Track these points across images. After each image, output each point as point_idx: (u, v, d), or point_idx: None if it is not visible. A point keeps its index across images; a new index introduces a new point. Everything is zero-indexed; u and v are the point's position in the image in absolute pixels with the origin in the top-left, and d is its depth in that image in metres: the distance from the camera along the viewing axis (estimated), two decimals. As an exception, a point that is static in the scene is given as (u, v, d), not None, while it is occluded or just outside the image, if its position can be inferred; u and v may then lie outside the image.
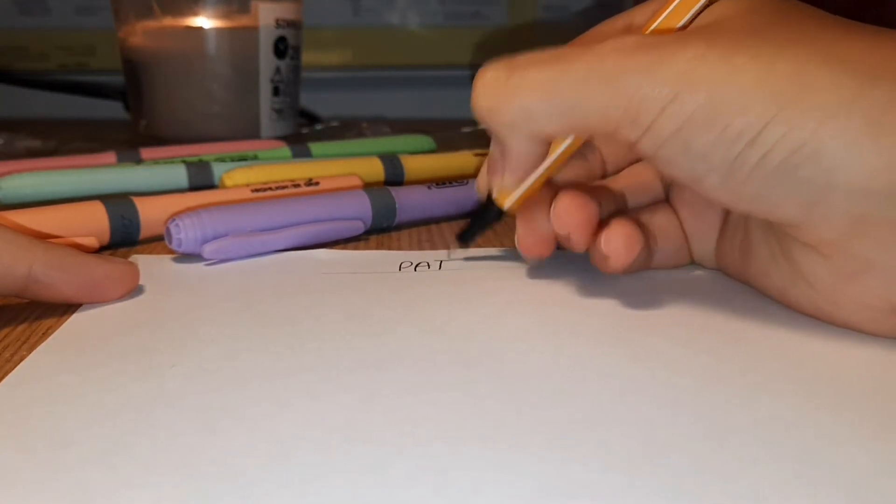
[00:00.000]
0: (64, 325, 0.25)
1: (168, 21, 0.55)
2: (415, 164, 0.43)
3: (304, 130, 0.65)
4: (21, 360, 0.22)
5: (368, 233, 0.35)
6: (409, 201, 0.36)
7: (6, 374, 0.21)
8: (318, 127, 0.67)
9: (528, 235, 0.28)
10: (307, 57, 0.62)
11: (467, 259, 0.31)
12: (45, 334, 0.24)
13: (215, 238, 0.30)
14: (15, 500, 0.16)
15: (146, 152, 0.46)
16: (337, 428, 0.18)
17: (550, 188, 0.27)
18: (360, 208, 0.34)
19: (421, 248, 0.33)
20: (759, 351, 0.23)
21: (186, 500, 0.16)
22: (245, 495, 0.16)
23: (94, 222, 0.32)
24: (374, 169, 0.41)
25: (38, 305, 0.26)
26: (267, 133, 0.57)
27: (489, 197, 0.28)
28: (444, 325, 0.24)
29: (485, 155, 0.44)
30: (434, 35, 0.76)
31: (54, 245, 0.26)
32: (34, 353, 0.22)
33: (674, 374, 0.21)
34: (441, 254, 0.32)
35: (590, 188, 0.29)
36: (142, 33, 0.56)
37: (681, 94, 0.22)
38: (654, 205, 0.29)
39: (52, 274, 0.25)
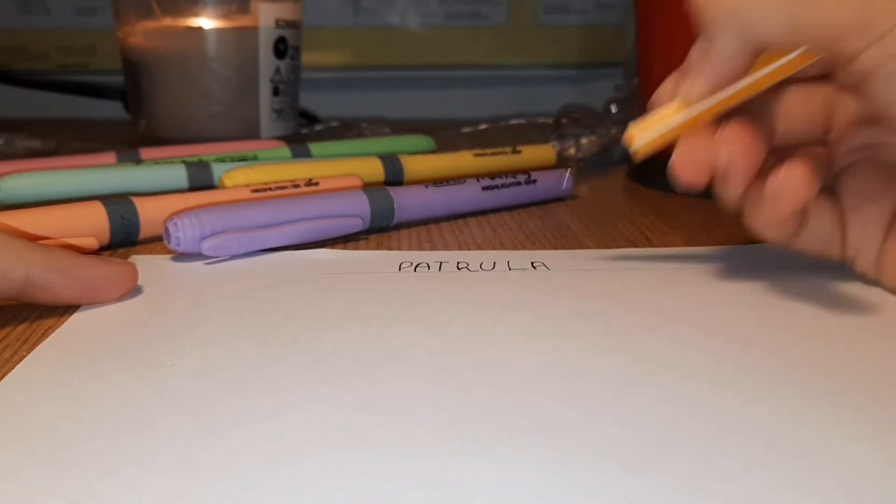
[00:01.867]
0: (64, 325, 0.25)
1: (168, 21, 0.55)
2: (415, 165, 0.43)
3: (304, 130, 0.65)
4: (21, 360, 0.22)
5: (368, 232, 0.35)
6: (408, 201, 0.36)
7: (6, 374, 0.21)
8: (318, 127, 0.67)
9: (687, 156, 0.25)
10: (307, 57, 0.62)
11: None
12: (45, 334, 0.24)
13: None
14: (15, 500, 0.16)
15: (146, 152, 0.46)
16: (337, 428, 0.18)
17: (710, 128, 0.26)
18: (358, 208, 0.34)
19: (421, 248, 0.33)
20: (760, 351, 0.23)
21: (186, 500, 0.16)
22: (245, 495, 0.16)
23: (93, 222, 0.32)
24: (374, 169, 0.41)
25: (37, 306, 0.26)
26: (267, 133, 0.57)
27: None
28: (443, 325, 0.24)
29: (485, 155, 0.44)
30: (434, 35, 0.76)
31: (52, 248, 0.26)
32: (34, 353, 0.22)
33: (674, 374, 0.21)
34: (441, 254, 0.32)
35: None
36: (142, 33, 0.56)
37: None
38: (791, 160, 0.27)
39: (49, 277, 0.25)
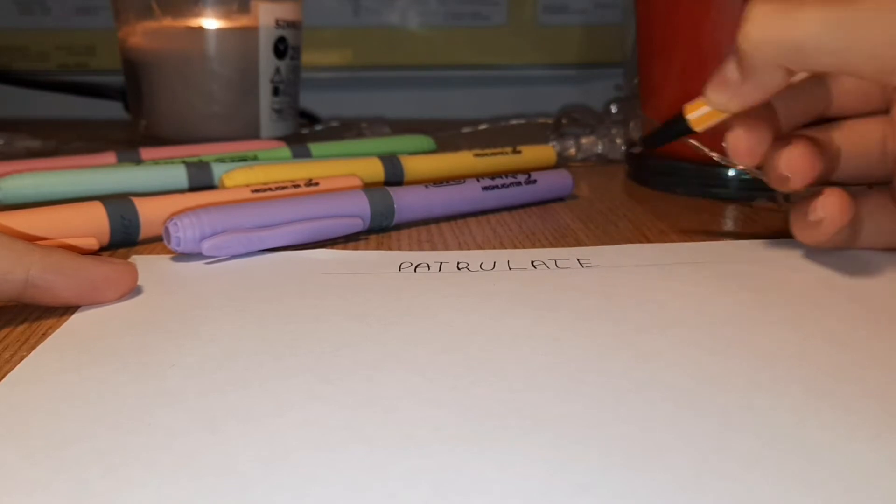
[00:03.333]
0: (63, 325, 0.25)
1: (168, 21, 0.55)
2: (415, 165, 0.43)
3: (304, 131, 0.65)
4: (21, 360, 0.22)
5: (368, 232, 0.35)
6: (408, 201, 0.36)
7: (6, 374, 0.21)
8: (318, 127, 0.67)
9: (744, 143, 0.28)
10: (307, 57, 0.62)
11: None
12: (45, 334, 0.24)
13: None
14: (15, 500, 0.16)
15: (146, 152, 0.46)
16: (337, 428, 0.18)
17: (769, 110, 0.28)
18: (358, 208, 0.34)
19: (421, 248, 0.33)
20: (760, 351, 0.23)
21: (186, 500, 0.16)
22: (245, 495, 0.16)
23: (93, 223, 0.32)
24: (374, 169, 0.41)
25: (37, 306, 0.26)
26: (267, 133, 0.57)
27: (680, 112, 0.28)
28: (443, 325, 0.24)
29: (485, 155, 0.44)
30: (434, 35, 0.76)
31: (51, 249, 0.26)
32: (34, 353, 0.22)
33: (674, 373, 0.21)
34: (441, 254, 0.32)
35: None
36: (142, 33, 0.56)
37: None
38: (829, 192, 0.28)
39: (49, 278, 0.25)
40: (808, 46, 0.24)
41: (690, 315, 0.25)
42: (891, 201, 0.28)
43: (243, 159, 0.43)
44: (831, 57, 0.24)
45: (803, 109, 0.30)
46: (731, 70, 0.27)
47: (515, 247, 0.33)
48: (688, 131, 0.28)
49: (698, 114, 0.28)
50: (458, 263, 0.30)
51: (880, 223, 0.28)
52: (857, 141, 0.29)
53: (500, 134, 0.61)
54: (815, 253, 0.30)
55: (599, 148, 0.52)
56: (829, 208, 0.26)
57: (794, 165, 0.27)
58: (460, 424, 0.18)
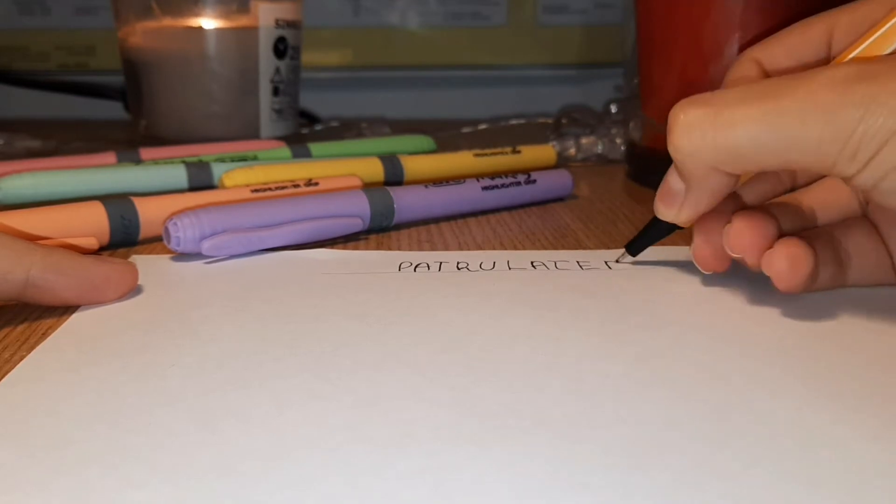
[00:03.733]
0: (63, 325, 0.25)
1: (168, 21, 0.55)
2: (415, 165, 0.43)
3: (304, 130, 0.65)
4: (21, 360, 0.22)
5: (368, 232, 0.35)
6: (408, 201, 0.36)
7: (6, 374, 0.21)
8: (318, 127, 0.67)
9: (705, 248, 0.27)
10: (307, 57, 0.62)
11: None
12: (45, 334, 0.24)
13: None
14: (15, 500, 0.16)
15: (146, 152, 0.46)
16: (337, 428, 0.18)
17: (732, 199, 0.27)
18: (358, 208, 0.34)
19: (421, 248, 0.33)
20: (760, 351, 0.23)
21: (186, 500, 0.16)
22: (245, 495, 0.16)
23: (93, 223, 0.32)
24: (374, 169, 0.41)
25: (37, 306, 0.26)
26: (267, 133, 0.57)
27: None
28: (443, 325, 0.24)
29: (485, 155, 0.44)
30: (434, 35, 0.76)
31: (51, 248, 0.26)
32: (34, 352, 0.22)
33: (674, 373, 0.21)
34: (441, 254, 0.32)
35: (772, 205, 0.28)
36: (142, 33, 0.56)
37: None
38: (849, 220, 0.28)
39: (50, 278, 0.25)
40: (746, 148, 0.23)
41: (690, 315, 0.25)
42: (875, 234, 0.27)
43: (243, 159, 0.43)
44: (772, 156, 0.23)
45: (771, 189, 0.29)
46: (673, 181, 0.26)
47: (515, 247, 0.33)
48: (673, 227, 0.28)
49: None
50: (458, 263, 0.30)
51: (866, 258, 0.27)
52: (827, 198, 0.28)
53: (500, 134, 0.61)
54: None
55: (599, 148, 0.52)
56: (777, 265, 0.25)
57: (736, 241, 0.25)
58: (460, 424, 0.18)
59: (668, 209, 0.26)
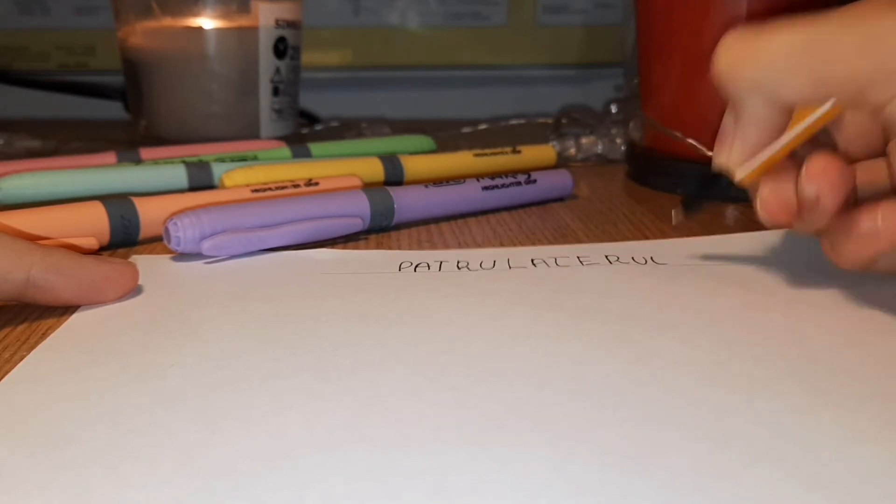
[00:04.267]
0: (64, 325, 0.25)
1: (168, 21, 0.55)
2: (415, 165, 0.43)
3: (304, 130, 0.65)
4: (21, 360, 0.22)
5: (368, 232, 0.35)
6: (408, 201, 0.36)
7: (6, 374, 0.21)
8: (318, 127, 0.67)
9: (773, 200, 0.26)
10: (307, 57, 0.62)
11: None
12: (45, 334, 0.24)
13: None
14: (15, 500, 0.16)
15: (146, 152, 0.46)
16: (337, 428, 0.18)
17: (794, 161, 0.26)
18: (358, 208, 0.34)
19: (421, 248, 0.33)
20: (760, 351, 0.23)
21: (186, 500, 0.16)
22: (245, 495, 0.16)
23: (93, 223, 0.32)
24: (374, 169, 0.41)
25: (37, 306, 0.26)
26: (267, 133, 0.57)
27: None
28: (444, 325, 0.24)
29: (485, 155, 0.44)
30: (434, 35, 0.76)
31: (52, 248, 0.26)
32: (34, 352, 0.22)
33: (674, 374, 0.21)
34: (441, 253, 0.32)
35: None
36: (142, 33, 0.56)
37: None
38: (887, 202, 0.26)
39: (50, 278, 0.25)
40: (781, 68, 0.23)
41: (690, 315, 0.25)
42: None
43: (243, 159, 0.43)
44: (806, 77, 0.23)
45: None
46: (726, 121, 0.26)
47: (515, 247, 0.33)
48: (730, 184, 0.27)
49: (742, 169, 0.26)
50: (458, 263, 0.30)
51: None
52: (866, 180, 0.28)
53: (500, 134, 0.61)
54: (817, 252, 0.30)
55: (599, 148, 0.52)
56: (820, 176, 0.23)
57: (818, 178, 0.24)
58: (460, 424, 0.18)
59: (720, 150, 0.26)
